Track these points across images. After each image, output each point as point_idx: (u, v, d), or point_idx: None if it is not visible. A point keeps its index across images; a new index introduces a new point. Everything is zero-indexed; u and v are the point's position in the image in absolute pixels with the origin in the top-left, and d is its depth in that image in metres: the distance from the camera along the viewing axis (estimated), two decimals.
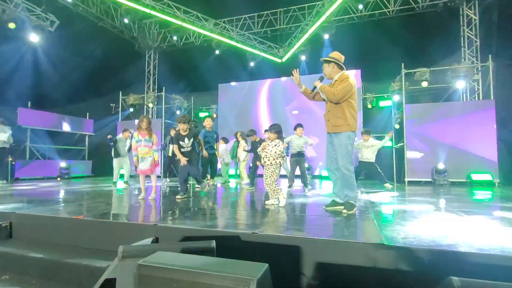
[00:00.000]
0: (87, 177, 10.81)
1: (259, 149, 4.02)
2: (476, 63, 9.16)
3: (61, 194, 5.42)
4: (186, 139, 4.52)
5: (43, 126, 9.90)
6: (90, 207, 3.78)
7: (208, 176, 6.39)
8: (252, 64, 12.12)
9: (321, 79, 3.63)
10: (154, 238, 2.57)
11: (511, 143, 7.80)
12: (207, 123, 6.07)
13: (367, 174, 7.40)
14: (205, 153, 4.70)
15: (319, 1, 10.57)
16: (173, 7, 10.39)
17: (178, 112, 12.34)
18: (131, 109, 11.73)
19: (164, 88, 11.84)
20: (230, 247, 2.29)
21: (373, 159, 6.46)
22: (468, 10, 9.90)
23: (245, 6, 11.66)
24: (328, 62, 3.56)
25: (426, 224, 2.85)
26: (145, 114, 12.80)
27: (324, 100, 3.61)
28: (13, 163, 8.81)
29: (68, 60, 9.90)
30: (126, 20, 10.53)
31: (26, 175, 9.16)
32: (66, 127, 10.63)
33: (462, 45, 9.94)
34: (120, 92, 12.09)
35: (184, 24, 10.46)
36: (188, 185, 4.70)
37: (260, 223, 2.88)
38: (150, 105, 11.92)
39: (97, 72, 10.64)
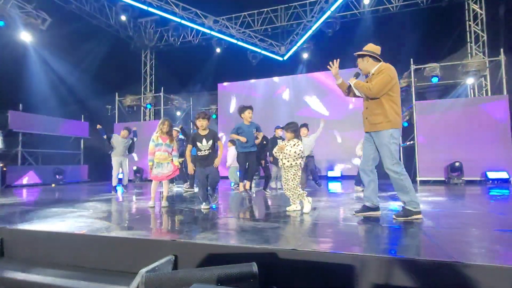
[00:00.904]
0: (84, 182, 10.34)
1: (275, 150, 3.66)
2: (484, 58, 8.94)
3: (58, 203, 4.99)
4: (204, 140, 3.92)
5: (36, 130, 9.41)
6: (92, 218, 3.38)
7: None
8: (253, 62, 11.77)
9: (357, 75, 3.29)
10: (173, 256, 2.20)
11: None
12: (247, 115, 5.37)
13: None
14: (216, 162, 3.90)
15: None
16: (171, 4, 10.00)
17: (178, 113, 11.93)
18: (129, 111, 11.29)
19: (162, 88, 11.43)
20: (268, 266, 1.92)
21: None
22: (474, 4, 9.70)
23: (244, 3, 11.34)
24: (362, 56, 3.22)
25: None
26: (142, 115, 12.38)
27: (361, 96, 3.25)
28: (4, 169, 8.32)
29: (61, 60, 9.43)
30: (123, 18, 10.06)
31: (18, 182, 8.67)
32: (60, 131, 10.14)
33: (468, 40, 9.74)
34: (116, 93, 11.65)
35: (183, 21, 10.06)
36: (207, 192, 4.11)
37: (293, 236, 2.52)
38: (148, 106, 11.48)
39: (92, 73, 10.19)
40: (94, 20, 10.71)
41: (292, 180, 3.51)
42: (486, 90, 9.08)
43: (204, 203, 3.96)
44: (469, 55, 9.55)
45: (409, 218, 2.98)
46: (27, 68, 8.90)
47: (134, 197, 5.71)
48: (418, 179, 7.81)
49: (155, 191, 4.34)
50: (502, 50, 7.88)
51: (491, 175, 7.09)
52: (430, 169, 7.78)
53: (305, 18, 10.95)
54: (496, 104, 7.44)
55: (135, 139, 6.74)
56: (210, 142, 3.90)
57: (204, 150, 3.91)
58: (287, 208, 3.65)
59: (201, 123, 3.89)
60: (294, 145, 3.51)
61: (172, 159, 4.33)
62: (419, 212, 3.03)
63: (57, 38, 9.03)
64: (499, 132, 7.24)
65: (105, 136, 6.49)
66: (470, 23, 9.72)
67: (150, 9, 9.51)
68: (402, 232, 2.62)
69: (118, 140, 6.47)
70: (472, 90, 9.49)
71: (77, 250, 2.55)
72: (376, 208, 3.28)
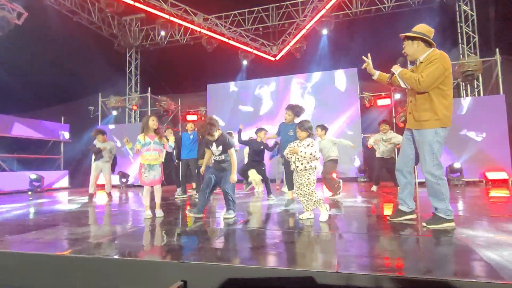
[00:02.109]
0: (64, 189, 9.61)
1: (286, 152, 3.29)
2: (478, 59, 8.95)
3: (34, 214, 4.42)
4: (214, 145, 3.54)
5: (9, 133, 8.65)
6: (77, 234, 2.89)
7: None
8: (244, 62, 11.41)
9: (401, 62, 2.83)
10: (182, 283, 1.79)
11: None
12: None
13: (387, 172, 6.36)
14: (232, 178, 3.46)
15: None
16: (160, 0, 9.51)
17: (170, 115, 11.39)
18: (114, 112, 10.66)
19: (149, 89, 10.88)
20: None
21: (392, 155, 5.84)
22: (465, 6, 9.76)
23: (235, 1, 10.99)
24: (412, 38, 2.76)
25: None
26: (127, 117, 11.75)
27: (404, 87, 2.83)
28: None
29: (39, 58, 8.74)
30: (108, 10, 9.44)
31: None
32: (37, 134, 9.39)
33: (460, 41, 9.78)
34: (100, 94, 11.00)
35: (172, 18, 9.58)
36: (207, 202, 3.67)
37: (323, 253, 2.15)
38: (135, 107, 10.88)
39: (73, 72, 9.53)
40: (75, 16, 10.06)
41: (306, 184, 3.14)
42: (479, 91, 9.11)
43: (196, 210, 3.57)
44: (461, 56, 9.58)
45: (440, 226, 2.68)
46: None
47: (122, 206, 5.19)
48: (417, 180, 7.64)
49: (149, 198, 3.86)
50: (497, 50, 7.88)
51: (490, 175, 7.01)
52: None
53: (297, 17, 10.72)
54: (494, 104, 7.40)
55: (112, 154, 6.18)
56: (220, 148, 3.51)
57: (218, 156, 3.56)
58: (300, 216, 3.29)
59: (209, 137, 3.53)
60: (308, 145, 3.15)
61: (161, 160, 3.89)
62: (452, 220, 2.73)
63: (34, 34, 8.36)
64: (497, 132, 7.19)
65: (97, 146, 5.95)
66: (461, 24, 9.76)
67: (137, 4, 8.97)
68: (448, 245, 2.31)
69: (99, 145, 5.92)
70: (464, 91, 9.51)
71: (57, 276, 2.08)
72: (412, 212, 2.99)
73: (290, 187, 4.32)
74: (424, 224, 2.75)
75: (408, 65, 2.99)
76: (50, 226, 3.27)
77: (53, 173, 9.76)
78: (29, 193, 8.37)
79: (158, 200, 3.88)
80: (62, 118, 10.23)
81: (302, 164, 3.17)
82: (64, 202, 6.04)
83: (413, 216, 3.02)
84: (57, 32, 9.25)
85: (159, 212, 3.77)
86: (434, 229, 2.66)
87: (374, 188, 5.74)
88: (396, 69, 2.81)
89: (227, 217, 3.39)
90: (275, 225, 3.20)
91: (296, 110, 4.49)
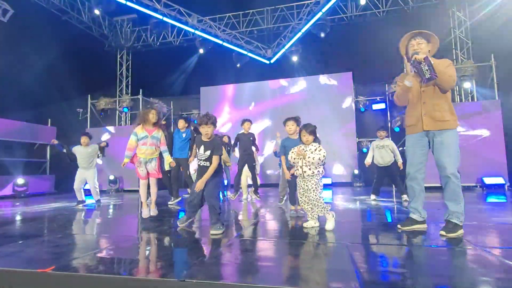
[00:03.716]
0: (50, 194, 9.19)
1: (291, 156, 3.11)
2: (473, 64, 9.01)
3: (14, 223, 4.12)
4: (202, 148, 3.01)
5: None
6: (62, 246, 2.63)
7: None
8: (238, 65, 11.25)
9: (417, 60, 2.55)
10: None
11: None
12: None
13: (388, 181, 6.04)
14: (202, 179, 2.95)
15: (309, 0, 10.02)
16: (153, 0, 9.29)
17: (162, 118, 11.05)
18: (103, 115, 10.32)
19: (141, 91, 10.59)
20: None
21: (391, 162, 5.58)
22: (458, 12, 9.86)
23: (229, 3, 10.85)
24: (427, 38, 2.71)
25: None
26: (117, 120, 11.40)
27: (402, 102, 2.84)
28: None
29: (25, 57, 8.38)
30: (97, 12, 9.17)
31: None
32: (22, 136, 8.98)
33: (453, 46, 9.85)
34: (89, 95, 10.65)
35: (165, 19, 9.36)
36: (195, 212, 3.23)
37: (339, 267, 1.96)
38: (125, 109, 10.57)
39: (61, 73, 9.18)
40: (64, 15, 9.74)
41: (314, 190, 2.96)
42: (473, 96, 9.16)
43: (183, 219, 3.20)
44: (455, 61, 9.64)
45: (458, 233, 2.56)
46: None
47: (111, 214, 4.90)
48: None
49: (145, 194, 3.61)
50: (492, 55, 7.92)
51: (488, 180, 6.98)
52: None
53: (292, 21, 10.65)
54: (489, 108, 7.41)
55: (100, 155, 5.88)
56: (208, 152, 2.99)
57: (203, 161, 3.02)
58: (304, 225, 3.09)
59: (205, 130, 2.96)
60: (315, 150, 2.98)
61: (157, 155, 3.66)
62: (462, 227, 2.63)
63: (20, 32, 8.01)
64: (493, 137, 7.19)
65: (64, 150, 5.61)
66: (455, 30, 9.84)
67: (129, 3, 8.72)
68: (467, 256, 2.15)
69: (79, 150, 5.57)
70: (458, 96, 9.56)
71: None
72: (423, 221, 2.85)
73: (293, 201, 3.95)
74: (442, 233, 2.61)
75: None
76: (32, 237, 2.99)
77: (39, 177, 9.34)
78: (14, 198, 7.95)
79: (153, 196, 3.65)
80: (49, 121, 9.83)
81: (310, 169, 2.98)
82: (50, 209, 5.70)
83: (424, 225, 2.88)
84: (45, 30, 8.91)
85: (153, 211, 3.55)
86: (452, 237, 2.53)
87: (373, 197, 5.53)
88: (432, 59, 2.55)
89: (215, 233, 2.85)
90: (277, 235, 3.00)
91: (299, 120, 3.98)
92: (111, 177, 9.31)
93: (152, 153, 3.58)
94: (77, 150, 5.54)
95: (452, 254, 2.19)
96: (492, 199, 5.43)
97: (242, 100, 11.37)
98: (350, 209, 4.53)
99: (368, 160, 5.54)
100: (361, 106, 10.61)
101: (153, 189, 3.66)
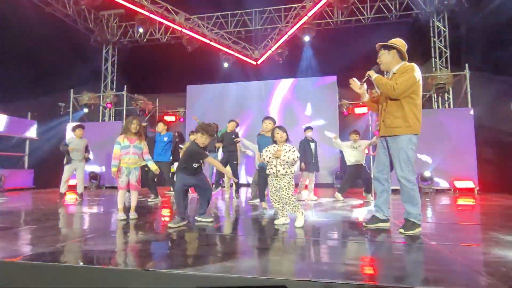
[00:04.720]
0: (28, 189, 9.01)
1: (265, 155, 3.22)
2: (449, 73, 9.40)
3: None
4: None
5: None
6: (36, 237, 2.66)
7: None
8: (225, 65, 11.31)
9: (376, 69, 2.95)
10: None
11: (487, 150, 7.96)
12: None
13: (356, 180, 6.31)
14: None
15: (297, 3, 10.20)
16: None
17: (146, 115, 11.03)
18: (85, 110, 10.18)
19: (125, 87, 10.50)
20: None
21: (362, 161, 5.84)
22: (438, 22, 10.25)
23: (217, 3, 10.90)
24: (388, 48, 2.89)
25: None
26: (101, 116, 11.26)
27: (373, 109, 3.07)
28: None
29: (5, 48, 8.19)
30: (83, 3, 9.03)
31: None
32: None
33: (433, 55, 10.24)
34: (71, 90, 10.48)
35: (152, 16, 9.33)
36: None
37: (299, 260, 2.08)
38: (109, 105, 10.47)
39: (43, 66, 9.02)
40: (48, 7, 9.56)
41: (286, 189, 3.09)
42: (449, 103, 9.55)
43: (175, 220, 3.21)
44: (433, 69, 10.03)
45: (415, 231, 2.74)
46: None
47: (91, 208, 4.90)
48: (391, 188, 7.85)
49: (123, 201, 3.66)
50: (467, 65, 8.29)
51: (458, 184, 7.32)
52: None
53: (279, 23, 10.81)
54: (462, 116, 7.76)
55: (87, 154, 5.89)
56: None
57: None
58: (276, 222, 3.22)
59: (203, 140, 3.25)
60: (289, 150, 3.11)
61: (140, 163, 3.72)
62: (420, 225, 2.82)
63: (0, 22, 7.83)
64: (465, 143, 7.53)
65: (65, 149, 5.60)
66: (434, 39, 10.22)
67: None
68: (422, 251, 2.32)
69: (75, 142, 5.60)
70: (436, 103, 9.95)
71: (9, 286, 1.87)
72: (387, 220, 3.02)
73: (262, 197, 4.31)
74: (401, 230, 2.78)
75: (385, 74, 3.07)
76: (3, 229, 2.99)
77: (17, 172, 9.13)
78: None
79: (133, 203, 3.69)
80: (29, 114, 9.62)
81: (283, 168, 3.11)
82: (26, 202, 5.63)
83: (387, 224, 3.06)
84: (27, 22, 8.74)
85: (133, 214, 3.59)
86: (409, 235, 2.71)
87: (338, 196, 5.71)
88: (373, 74, 2.91)
89: (201, 220, 3.24)
90: (249, 231, 3.12)
91: (275, 122, 4.18)
92: (92, 174, 9.20)
93: (135, 162, 3.65)
94: (72, 141, 5.55)
95: (406, 249, 2.35)
96: (461, 202, 5.72)
97: (228, 100, 11.44)
98: (323, 208, 4.69)
99: (338, 142, 5.86)
100: (344, 109, 10.87)
101: (133, 197, 3.71)
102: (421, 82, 2.84)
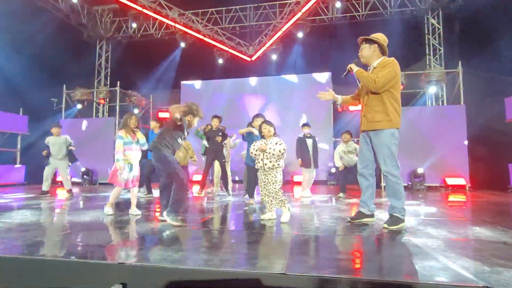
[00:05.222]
0: (20, 185, 8.94)
1: (253, 149, 3.22)
2: (443, 69, 9.41)
3: None
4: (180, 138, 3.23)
5: None
6: (15, 232, 2.63)
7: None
8: (219, 61, 11.25)
9: (357, 62, 2.98)
10: (120, 286, 1.65)
11: (478, 148, 8.00)
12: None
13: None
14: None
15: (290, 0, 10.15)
16: None
17: (136, 111, 10.95)
18: (79, 106, 10.10)
19: (118, 83, 10.42)
20: None
21: (354, 163, 5.84)
22: (433, 19, 10.24)
23: None
24: (370, 42, 2.89)
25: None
26: (94, 112, 11.19)
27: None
28: None
29: None
30: (74, 1, 8.93)
31: None
32: None
33: (427, 52, 10.24)
34: (64, 85, 10.39)
35: (145, 11, 9.25)
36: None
37: (277, 254, 2.08)
38: (102, 101, 10.39)
39: (36, 62, 8.93)
40: (39, 1, 9.43)
41: (273, 183, 3.09)
42: (443, 100, 9.57)
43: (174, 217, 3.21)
44: (428, 66, 10.04)
45: (399, 226, 2.75)
46: None
47: (76, 204, 4.87)
48: (383, 184, 7.87)
49: (117, 198, 3.65)
50: (460, 62, 8.30)
51: (450, 181, 7.35)
52: None
53: (274, 19, 10.76)
54: (454, 113, 7.78)
55: (72, 148, 5.83)
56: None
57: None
58: (262, 216, 3.22)
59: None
60: (276, 143, 3.10)
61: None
62: (404, 220, 2.82)
63: None
64: (457, 140, 7.56)
65: (44, 153, 5.56)
66: (429, 36, 10.22)
67: None
68: (404, 246, 2.32)
69: (52, 140, 5.56)
70: (430, 100, 9.96)
71: None
72: (372, 215, 3.03)
73: (252, 194, 4.31)
74: (385, 225, 2.79)
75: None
76: None
77: (8, 167, 9.06)
78: None
79: (134, 199, 3.65)
80: (21, 109, 9.53)
81: (270, 162, 3.10)
82: (17, 197, 5.59)
83: (373, 219, 3.07)
84: (19, 16, 8.62)
85: (135, 211, 3.56)
86: (393, 230, 2.71)
87: (341, 195, 5.74)
88: (354, 67, 2.93)
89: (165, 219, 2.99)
90: (234, 225, 3.11)
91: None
92: (83, 169, 9.14)
93: (137, 158, 3.66)
94: (50, 140, 5.52)
95: (388, 244, 2.35)
96: (450, 198, 5.74)
97: (223, 96, 11.39)
98: (312, 204, 4.69)
99: (340, 165, 5.80)
100: (338, 106, 10.86)
101: (134, 192, 3.69)
102: (400, 77, 2.86)
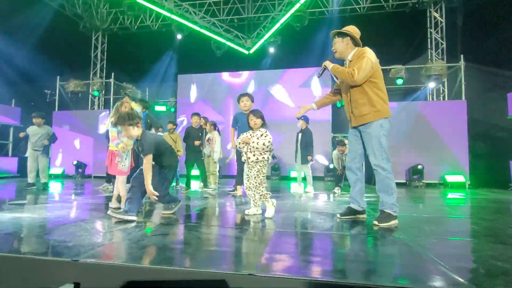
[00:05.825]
0: (12, 177, 8.82)
1: (238, 141, 3.04)
2: (444, 63, 9.17)
3: None
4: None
5: None
6: None
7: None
8: (217, 54, 11.04)
9: (332, 59, 2.86)
10: (73, 285, 1.49)
11: (479, 144, 7.81)
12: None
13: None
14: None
15: None
16: None
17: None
18: (73, 97, 9.95)
19: (113, 74, 10.24)
20: None
21: None
22: (435, 12, 9.97)
23: None
24: (342, 35, 2.76)
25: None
26: (90, 103, 11.03)
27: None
28: None
29: None
30: None
31: None
32: None
33: (429, 46, 9.99)
34: (58, 77, 10.22)
35: (140, 0, 9.03)
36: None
37: (252, 252, 1.91)
38: (96, 93, 10.23)
39: (29, 52, 8.77)
40: None
41: (255, 177, 2.91)
42: (444, 96, 9.35)
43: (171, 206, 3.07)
44: (429, 60, 9.79)
45: (390, 224, 2.57)
46: None
47: (54, 197, 4.72)
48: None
49: (124, 189, 3.31)
50: (462, 56, 8.06)
51: (449, 178, 7.16)
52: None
53: (273, 11, 10.51)
54: (455, 108, 7.57)
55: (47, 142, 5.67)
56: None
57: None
58: (246, 211, 3.05)
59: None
60: (261, 135, 2.92)
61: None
62: (396, 217, 2.65)
63: None
64: (457, 137, 7.36)
65: (21, 134, 5.45)
66: (431, 30, 9.96)
67: None
68: (394, 245, 2.15)
69: (32, 130, 5.41)
70: (431, 95, 9.74)
71: None
72: (363, 211, 2.86)
73: (240, 182, 4.16)
74: (375, 222, 2.62)
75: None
76: None
77: (0, 159, 8.93)
78: None
79: (123, 192, 3.32)
80: (13, 101, 9.38)
81: (254, 155, 2.93)
82: (7, 190, 5.45)
83: (364, 215, 2.90)
84: (12, 6, 8.44)
85: (115, 204, 3.36)
86: (384, 227, 2.54)
87: (336, 190, 5.58)
88: (329, 64, 2.81)
89: (166, 213, 3.00)
90: (213, 220, 2.95)
91: (252, 97, 4.29)
92: (75, 162, 9.00)
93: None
94: (30, 130, 5.36)
95: (377, 243, 2.18)
96: (449, 196, 5.57)
97: (220, 90, 11.19)
98: (304, 201, 4.53)
99: (340, 169, 5.67)
100: (337, 101, 10.64)
101: (122, 185, 3.44)
102: (378, 64, 2.70)
